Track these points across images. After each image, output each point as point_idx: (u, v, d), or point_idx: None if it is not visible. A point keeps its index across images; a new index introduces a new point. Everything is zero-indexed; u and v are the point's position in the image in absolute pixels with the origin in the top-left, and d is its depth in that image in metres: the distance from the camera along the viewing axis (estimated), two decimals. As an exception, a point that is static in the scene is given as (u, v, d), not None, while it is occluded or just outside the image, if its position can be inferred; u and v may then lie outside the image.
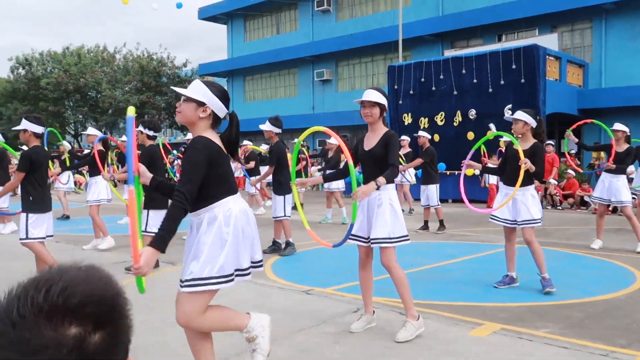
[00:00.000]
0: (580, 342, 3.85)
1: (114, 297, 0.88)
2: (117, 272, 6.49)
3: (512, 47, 16.62)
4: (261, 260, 2.97)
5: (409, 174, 12.86)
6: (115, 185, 7.61)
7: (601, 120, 18.98)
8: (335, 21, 27.55)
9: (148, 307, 4.87)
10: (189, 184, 2.64)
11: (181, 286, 2.75)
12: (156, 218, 6.39)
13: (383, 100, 4.07)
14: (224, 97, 2.85)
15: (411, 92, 18.12)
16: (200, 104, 2.78)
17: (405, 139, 12.05)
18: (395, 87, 18.67)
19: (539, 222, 5.33)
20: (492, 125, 16.44)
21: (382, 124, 4.15)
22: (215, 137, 2.81)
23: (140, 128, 6.46)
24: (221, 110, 2.85)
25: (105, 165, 7.97)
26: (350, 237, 4.12)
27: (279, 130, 7.45)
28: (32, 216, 5.37)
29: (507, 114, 16.32)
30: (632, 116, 17.47)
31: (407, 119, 18.07)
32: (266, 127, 7.34)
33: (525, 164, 5.04)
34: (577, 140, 8.65)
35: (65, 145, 12.97)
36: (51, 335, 0.79)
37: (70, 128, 39.03)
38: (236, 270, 2.76)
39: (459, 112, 17.19)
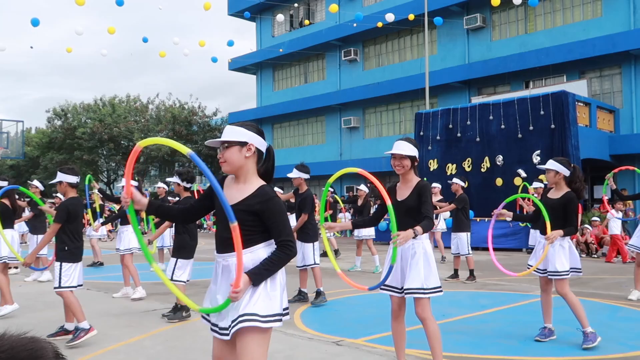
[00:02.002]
0: (626, 401, 3.67)
1: None
2: (147, 320, 6.49)
3: (540, 94, 16.63)
4: (287, 308, 2.85)
5: (441, 221, 12.73)
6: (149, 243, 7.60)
7: (636, 165, 18.68)
8: (362, 70, 28.02)
9: (181, 358, 4.84)
10: (289, 229, 2.70)
11: (247, 320, 2.57)
12: (183, 267, 6.43)
13: (414, 152, 4.07)
14: (259, 131, 2.83)
15: (438, 138, 18.15)
16: (243, 144, 2.73)
17: (437, 186, 11.98)
18: (422, 133, 18.74)
19: (567, 275, 5.14)
20: (521, 171, 16.32)
21: (413, 173, 4.14)
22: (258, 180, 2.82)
23: (177, 180, 6.57)
24: (262, 145, 2.82)
25: (145, 223, 8.12)
26: (383, 287, 4.07)
27: (307, 177, 7.47)
28: (66, 265, 5.45)
29: (536, 160, 16.20)
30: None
31: (433, 165, 18.05)
32: (294, 174, 7.37)
33: (551, 240, 4.99)
34: (614, 186, 8.56)
35: (96, 193, 13.26)
36: None
37: (104, 176, 39.93)
38: (284, 308, 2.73)
39: (486, 159, 17.12)
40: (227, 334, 2.62)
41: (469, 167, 17.32)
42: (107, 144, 36.17)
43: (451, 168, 17.62)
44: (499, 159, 16.73)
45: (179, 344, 5.44)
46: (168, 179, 6.71)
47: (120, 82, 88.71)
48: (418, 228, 3.80)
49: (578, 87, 18.78)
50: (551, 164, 5.32)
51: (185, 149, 2.44)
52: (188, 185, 6.59)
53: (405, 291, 3.94)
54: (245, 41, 76.20)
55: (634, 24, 19.34)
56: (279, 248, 2.65)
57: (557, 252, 5.18)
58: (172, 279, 6.47)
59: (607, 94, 20.23)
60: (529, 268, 5.49)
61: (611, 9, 20.00)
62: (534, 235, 10.97)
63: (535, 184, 11.36)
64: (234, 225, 2.37)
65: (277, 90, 32.49)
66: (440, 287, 3.97)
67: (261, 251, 2.69)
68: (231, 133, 2.76)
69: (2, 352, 0.96)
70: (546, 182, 11.18)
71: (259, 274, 2.57)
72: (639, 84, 19.34)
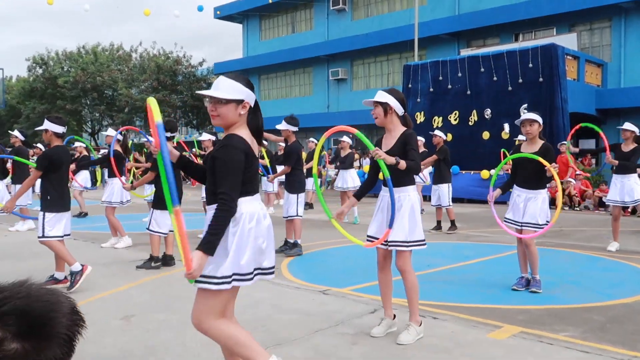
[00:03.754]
0: (602, 347, 3.80)
1: (47, 318, 0.98)
2: (134, 269, 6.54)
3: (530, 47, 16.49)
4: (271, 267, 2.86)
5: (423, 174, 12.80)
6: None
7: (621, 121, 18.76)
8: (350, 20, 27.51)
9: (167, 306, 4.90)
10: (228, 185, 2.60)
11: (198, 282, 2.69)
12: (160, 218, 6.42)
13: (385, 99, 3.95)
14: (250, 85, 2.77)
15: (427, 90, 18.03)
16: (239, 102, 2.71)
17: (420, 139, 11.98)
18: (410, 86, 18.60)
19: (542, 229, 5.27)
20: (506, 125, 16.36)
21: (398, 123, 4.06)
22: (247, 134, 2.75)
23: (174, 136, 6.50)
24: (253, 100, 2.78)
25: (131, 175, 7.99)
26: (368, 238, 4.11)
27: (295, 129, 7.46)
28: (49, 215, 5.42)
29: (523, 113, 16.20)
30: (652, 116, 17.23)
31: (420, 118, 17.99)
32: (283, 126, 7.35)
33: (555, 168, 5.03)
34: (577, 150, 9.08)
35: (82, 141, 13.12)
36: None
37: (87, 126, 39.40)
38: (235, 274, 2.67)
39: (474, 112, 17.09)
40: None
41: (455, 120, 17.31)
42: (90, 94, 35.53)
43: (437, 121, 17.59)
44: (487, 112, 16.72)
45: (165, 292, 5.50)
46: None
47: (102, 30, 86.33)
48: (402, 162, 3.79)
49: (568, 40, 18.64)
50: (534, 116, 5.30)
51: (158, 117, 2.44)
52: (168, 135, 6.51)
53: (389, 243, 3.97)
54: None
55: (626, -25, 19.05)
56: (217, 205, 2.60)
57: (539, 205, 5.27)
58: (148, 229, 6.51)
59: (596, 48, 20.13)
60: (505, 221, 5.52)
61: (604, -40, 19.64)
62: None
63: (521, 137, 11.40)
64: (176, 210, 2.40)
65: (264, 40, 31.89)
66: (423, 240, 4.00)
67: (242, 205, 2.69)
68: (228, 89, 2.69)
69: (18, 298, 0.97)
70: (518, 139, 11.27)
71: (207, 243, 2.54)
72: (628, 37, 19.24)
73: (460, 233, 9.63)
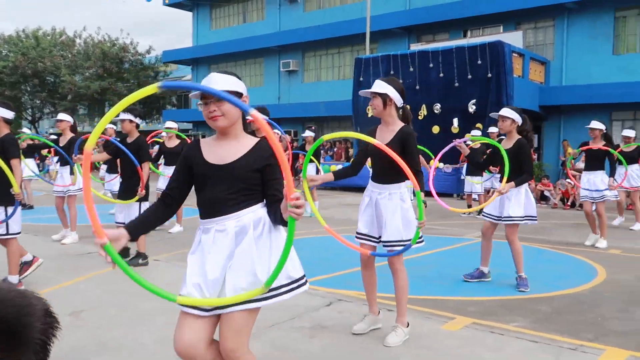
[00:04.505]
0: (550, 336, 3.95)
1: (20, 324, 0.92)
2: (82, 263, 6.34)
3: (477, 43, 16.88)
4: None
5: None
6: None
7: (562, 117, 19.51)
8: (302, 11, 27.41)
9: (118, 302, 4.78)
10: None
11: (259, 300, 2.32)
12: (127, 211, 6.24)
13: (385, 90, 3.75)
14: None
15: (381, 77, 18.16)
16: (239, 96, 2.43)
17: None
18: (361, 79, 18.74)
19: (521, 221, 5.32)
20: (455, 120, 16.74)
21: (396, 117, 3.87)
22: None
23: (130, 117, 6.16)
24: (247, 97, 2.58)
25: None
26: (358, 236, 3.98)
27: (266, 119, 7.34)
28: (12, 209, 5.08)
29: (471, 109, 16.62)
30: (590, 113, 17.98)
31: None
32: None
33: (504, 191, 5.07)
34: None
35: (26, 131, 12.59)
36: None
37: (28, 114, 37.79)
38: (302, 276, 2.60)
39: (424, 106, 17.39)
40: None
41: (406, 114, 17.55)
42: (31, 80, 34.07)
43: (389, 114, 17.80)
44: (437, 107, 17.04)
45: (114, 287, 5.35)
46: (122, 116, 6.17)
47: (44, 14, 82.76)
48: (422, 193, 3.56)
49: (514, 38, 19.17)
50: (508, 112, 5.35)
51: (152, 87, 1.89)
52: (142, 123, 6.24)
53: (384, 244, 3.84)
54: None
55: (570, -23, 19.76)
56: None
57: (518, 199, 5.32)
58: (116, 222, 6.31)
59: (540, 46, 20.80)
60: (484, 216, 5.59)
61: (549, -39, 20.30)
62: (468, 182, 11.34)
63: (475, 132, 11.67)
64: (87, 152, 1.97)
65: (215, 29, 31.39)
66: (421, 237, 3.79)
67: (260, 210, 2.41)
68: (231, 83, 2.40)
69: None
70: (492, 130, 11.54)
71: (131, 229, 2.30)
72: (570, 36, 19.97)
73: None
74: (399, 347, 3.76)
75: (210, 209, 2.39)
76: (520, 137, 5.36)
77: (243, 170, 2.36)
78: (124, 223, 6.33)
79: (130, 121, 6.21)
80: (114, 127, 11.46)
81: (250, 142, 2.44)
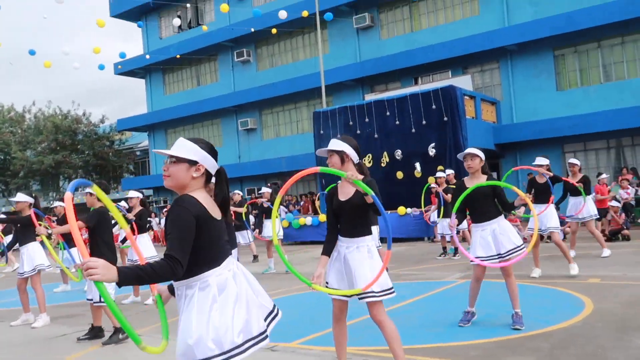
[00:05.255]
0: (557, 374, 3.90)
1: None
2: (57, 346, 5.99)
3: (430, 89, 17.44)
4: (263, 332, 2.67)
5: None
6: (49, 240, 7.06)
7: (518, 153, 20.09)
8: (256, 70, 27.85)
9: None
10: (178, 248, 2.39)
11: None
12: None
13: (340, 147, 3.87)
14: (212, 151, 2.68)
15: (338, 136, 18.43)
16: (193, 162, 2.60)
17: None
18: (322, 132, 19.00)
19: (524, 250, 5.29)
20: (417, 165, 17.05)
21: (355, 170, 3.91)
22: (203, 197, 2.61)
23: (90, 190, 6.06)
24: (213, 167, 2.67)
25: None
26: (329, 288, 3.91)
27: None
28: None
29: (431, 152, 16.98)
30: (543, 148, 18.68)
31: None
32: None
33: (529, 197, 5.13)
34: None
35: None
36: None
37: (-23, 193, 36.56)
38: (248, 340, 2.55)
39: (385, 153, 17.68)
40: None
41: (369, 162, 17.79)
42: (-20, 159, 33.18)
43: (352, 164, 17.98)
44: (398, 153, 17.35)
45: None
46: (88, 190, 6.06)
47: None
48: (369, 198, 3.63)
49: (463, 82, 19.92)
50: (476, 151, 5.42)
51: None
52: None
53: (359, 296, 3.80)
54: (131, 44, 72.98)
55: (507, 21, 20.84)
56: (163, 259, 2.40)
57: (509, 229, 5.35)
58: (99, 301, 6.00)
59: (489, 87, 21.65)
60: (482, 260, 5.45)
61: (487, 8, 21.40)
62: (441, 224, 11.40)
63: (439, 174, 11.86)
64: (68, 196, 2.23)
65: (169, 94, 31.48)
66: (392, 288, 3.86)
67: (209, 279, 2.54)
68: (182, 148, 2.61)
69: None
70: (448, 172, 11.74)
71: (129, 270, 2.26)
72: (515, 77, 20.87)
73: (390, 273, 9.70)
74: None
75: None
76: (487, 175, 5.45)
77: None
78: (92, 299, 6.08)
79: (90, 194, 6.09)
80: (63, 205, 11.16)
81: None
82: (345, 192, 3.95)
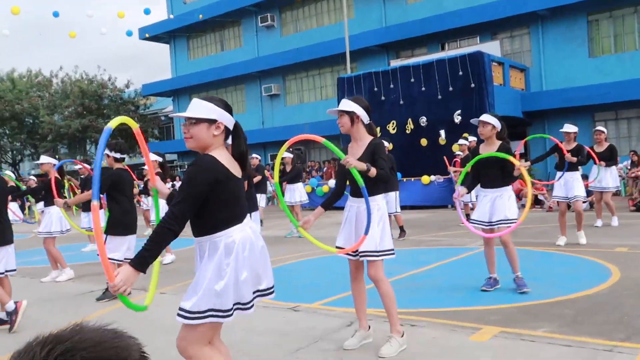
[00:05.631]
0: (582, 339, 3.85)
1: None
2: (84, 303, 6.13)
3: (457, 55, 17.05)
4: (270, 287, 2.80)
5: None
6: (67, 210, 7.24)
7: (546, 122, 19.64)
8: (280, 36, 27.56)
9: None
10: (182, 204, 2.47)
11: (177, 314, 2.59)
12: (111, 244, 6.00)
13: (351, 108, 3.89)
14: (227, 107, 2.69)
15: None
16: (212, 121, 2.62)
17: (386, 145, 12.05)
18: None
19: (514, 224, 5.32)
20: (442, 132, 16.81)
21: (364, 132, 4.00)
22: (225, 156, 2.64)
23: (106, 151, 6.12)
24: (230, 122, 2.69)
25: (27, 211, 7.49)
26: (338, 249, 4.00)
27: None
28: None
29: (457, 119, 16.70)
30: (572, 116, 18.20)
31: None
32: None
33: (526, 166, 5.11)
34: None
35: (9, 174, 12.31)
36: None
37: (8, 157, 37.28)
38: (236, 304, 2.60)
39: (410, 120, 17.45)
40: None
41: (393, 129, 17.60)
42: (9, 122, 33.69)
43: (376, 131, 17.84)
44: (423, 120, 17.11)
45: (120, 326, 5.16)
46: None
47: (17, 56, 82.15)
48: (373, 169, 3.73)
49: (491, 48, 19.43)
50: (488, 118, 5.39)
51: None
52: (118, 156, 6.15)
53: (359, 254, 3.87)
54: (155, 9, 72.63)
55: (540, -15, 20.13)
56: (162, 220, 2.48)
57: (507, 201, 5.34)
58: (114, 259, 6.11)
59: (518, 54, 21.09)
60: (471, 222, 5.56)
61: (519, -29, 20.68)
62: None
63: (461, 141, 11.68)
64: (94, 205, 2.29)
65: (193, 59, 31.41)
66: (392, 249, 3.94)
67: (234, 234, 2.62)
68: (199, 109, 2.62)
69: (83, 348, 0.80)
70: (471, 139, 11.57)
71: (140, 258, 2.38)
72: (546, 43, 20.28)
73: (411, 239, 9.69)
74: (431, 362, 3.63)
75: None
76: (501, 141, 5.38)
77: None
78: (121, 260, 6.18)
79: (107, 155, 6.12)
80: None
81: None
82: (354, 154, 3.98)
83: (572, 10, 19.31)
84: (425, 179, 15.74)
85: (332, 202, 4.20)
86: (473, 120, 5.62)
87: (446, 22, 21.32)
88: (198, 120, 2.60)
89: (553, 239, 8.33)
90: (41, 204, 9.33)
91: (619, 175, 12.39)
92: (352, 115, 3.91)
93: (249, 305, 2.63)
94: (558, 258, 7.11)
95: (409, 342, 3.95)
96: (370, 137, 4.02)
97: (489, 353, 3.71)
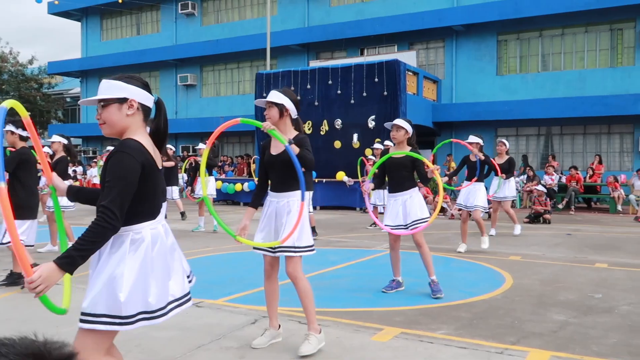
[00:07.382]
0: (476, 342, 4.03)
1: None
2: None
3: (375, 61, 17.43)
4: (186, 295, 2.48)
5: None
6: None
7: (453, 133, 20.48)
8: (200, 25, 26.93)
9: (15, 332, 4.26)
10: (118, 199, 2.19)
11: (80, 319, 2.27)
12: (20, 229, 5.60)
13: (281, 100, 3.81)
14: (144, 84, 2.45)
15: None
16: (122, 100, 2.37)
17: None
18: (264, 94, 18.66)
19: (427, 222, 5.45)
20: (355, 136, 17.12)
21: (290, 126, 3.93)
22: (148, 142, 2.41)
23: (11, 128, 5.63)
24: (148, 99, 2.44)
25: None
26: (255, 248, 3.93)
27: None
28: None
29: (371, 124, 17.07)
30: (478, 129, 19.15)
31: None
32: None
33: (438, 169, 5.21)
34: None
35: None
36: None
37: None
38: (141, 312, 2.28)
39: (325, 122, 17.62)
40: None
41: (309, 129, 17.68)
42: None
43: (292, 130, 17.86)
44: (338, 122, 17.33)
45: (14, 314, 4.81)
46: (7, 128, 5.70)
47: None
48: (294, 146, 3.67)
49: (408, 57, 20.03)
50: (402, 122, 5.51)
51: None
52: (24, 134, 5.70)
53: (277, 249, 3.83)
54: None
55: (457, 1, 21.04)
56: (95, 219, 2.19)
57: (418, 202, 5.47)
58: (2, 243, 5.67)
59: (432, 65, 21.91)
60: (388, 226, 5.60)
61: (438, -14, 21.51)
62: (378, 194, 11.49)
63: (376, 145, 11.94)
64: (1, 188, 1.96)
65: (106, 41, 29.98)
66: (312, 245, 3.91)
67: (143, 231, 2.34)
68: (106, 89, 2.38)
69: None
70: (387, 143, 11.83)
71: (67, 257, 2.09)
72: (459, 57, 21.21)
73: (320, 239, 9.76)
74: (333, 362, 3.65)
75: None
76: (411, 147, 5.53)
77: None
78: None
79: (12, 132, 5.68)
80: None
81: None
82: (277, 146, 3.89)
83: (484, 28, 20.33)
84: (340, 174, 16.00)
85: (259, 198, 4.07)
86: (387, 124, 5.71)
87: (367, 28, 21.76)
88: (107, 102, 2.36)
89: (454, 245, 8.70)
90: None
91: (516, 189, 13.17)
92: (281, 107, 3.83)
93: (160, 313, 2.32)
94: (458, 264, 7.43)
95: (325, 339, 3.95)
96: (296, 132, 3.95)
97: (389, 353, 3.79)
